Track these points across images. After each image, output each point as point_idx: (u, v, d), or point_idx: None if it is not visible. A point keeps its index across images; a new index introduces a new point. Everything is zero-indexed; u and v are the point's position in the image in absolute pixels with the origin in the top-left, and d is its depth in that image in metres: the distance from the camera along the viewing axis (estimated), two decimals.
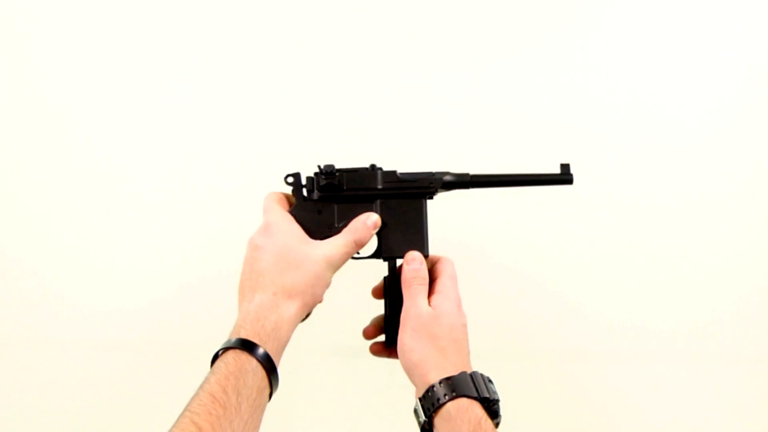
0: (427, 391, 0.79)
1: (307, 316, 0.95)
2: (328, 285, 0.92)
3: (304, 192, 1.05)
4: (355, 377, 1.18)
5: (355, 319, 1.17)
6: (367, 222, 0.97)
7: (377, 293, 1.01)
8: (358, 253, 1.06)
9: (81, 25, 1.24)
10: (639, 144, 1.18)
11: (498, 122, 1.19)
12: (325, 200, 1.04)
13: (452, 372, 0.80)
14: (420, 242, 1.02)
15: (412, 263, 0.92)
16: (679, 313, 1.19)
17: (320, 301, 0.95)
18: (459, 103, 1.19)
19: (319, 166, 1.05)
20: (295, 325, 0.88)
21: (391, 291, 0.97)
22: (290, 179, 1.06)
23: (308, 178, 1.05)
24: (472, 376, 0.80)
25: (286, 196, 1.01)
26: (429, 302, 0.88)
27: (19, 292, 1.24)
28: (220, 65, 1.23)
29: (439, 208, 1.13)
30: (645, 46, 1.19)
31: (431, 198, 1.05)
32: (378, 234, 1.04)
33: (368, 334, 0.98)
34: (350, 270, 1.16)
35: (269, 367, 0.80)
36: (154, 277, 1.23)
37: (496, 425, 0.78)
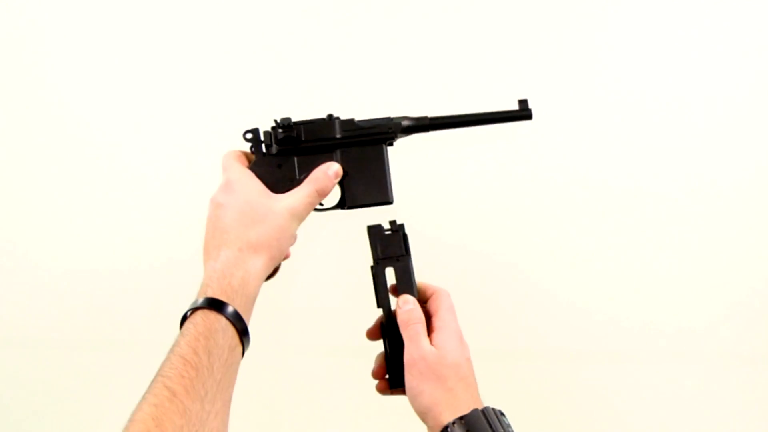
0: (443, 431, 0.79)
1: (275, 272, 0.95)
2: (293, 237, 0.92)
3: (263, 147, 1.04)
4: (352, 377, 1.19)
5: (352, 319, 1.17)
6: (328, 171, 0.96)
7: (373, 335, 0.99)
8: (321, 204, 1.06)
9: (73, 16, 1.21)
10: (641, 143, 1.17)
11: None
12: (284, 154, 1.04)
13: (464, 410, 0.79)
14: (383, 189, 1.03)
15: (405, 305, 0.90)
16: (678, 314, 1.19)
17: (287, 256, 0.95)
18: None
19: (275, 120, 1.04)
20: (262, 280, 0.88)
21: (389, 332, 0.94)
22: (249, 135, 1.05)
23: (266, 133, 1.04)
24: (484, 412, 0.79)
25: (245, 154, 1.00)
26: (430, 340, 0.86)
27: (17, 288, 1.23)
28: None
29: (441, 208, 1.14)
30: (643, 38, 1.17)
31: (391, 144, 1.04)
32: (340, 183, 1.04)
33: (377, 374, 0.96)
34: (350, 270, 1.17)
35: (239, 324, 0.80)
36: (152, 273, 1.24)
37: None
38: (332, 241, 1.17)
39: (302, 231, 1.10)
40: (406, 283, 0.93)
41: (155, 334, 1.21)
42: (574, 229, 1.18)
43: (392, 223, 0.98)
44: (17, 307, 1.24)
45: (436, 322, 0.88)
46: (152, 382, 0.73)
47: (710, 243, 1.18)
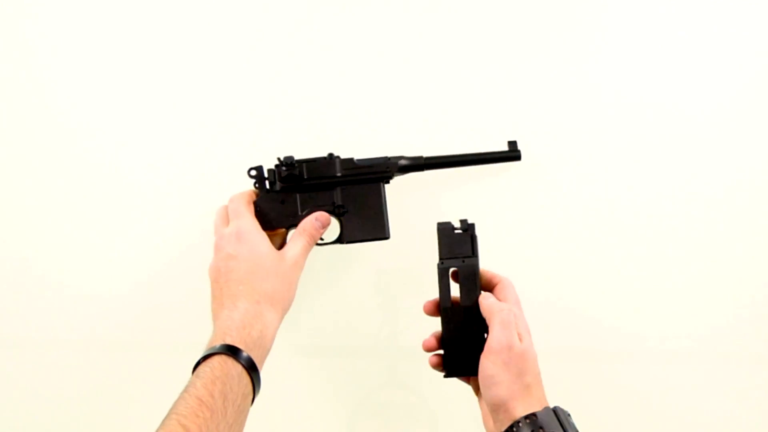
0: (512, 426, 0.77)
1: None
2: (296, 288, 0.95)
3: (267, 184, 1.10)
4: (349, 377, 1.21)
5: (349, 318, 1.21)
6: (315, 221, 1.01)
7: (430, 311, 0.96)
8: (321, 239, 1.12)
9: (78, 20, 1.24)
10: (641, 143, 1.18)
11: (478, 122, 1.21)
12: (287, 190, 1.09)
13: (537, 407, 0.78)
14: (380, 226, 1.09)
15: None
16: (679, 314, 1.20)
17: (291, 304, 0.96)
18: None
19: (279, 158, 1.09)
20: (276, 333, 0.90)
21: (453, 320, 0.92)
22: (253, 172, 1.10)
23: (270, 170, 1.10)
24: (555, 411, 0.78)
25: (253, 195, 1.02)
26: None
27: (17, 289, 1.25)
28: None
29: (445, 204, 1.18)
30: (639, 36, 1.18)
31: (388, 182, 1.10)
32: (339, 220, 1.10)
33: (430, 346, 0.93)
34: (348, 267, 1.21)
35: (254, 374, 0.82)
36: (154, 275, 1.24)
37: None
38: (330, 273, 1.21)
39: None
40: (471, 284, 0.91)
41: (155, 336, 1.25)
42: (573, 230, 1.20)
43: (463, 222, 0.97)
44: (16, 310, 1.26)
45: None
46: (165, 419, 0.74)
47: (711, 244, 1.18)
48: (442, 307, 0.93)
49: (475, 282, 0.91)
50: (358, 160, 1.10)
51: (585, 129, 1.19)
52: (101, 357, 1.26)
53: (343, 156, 1.10)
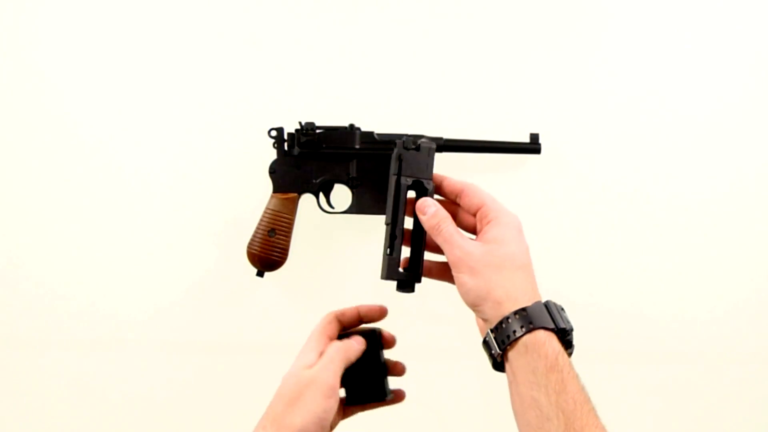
0: (501, 323, 0.71)
1: None
2: (334, 411, 0.79)
3: (285, 146, 1.10)
4: None
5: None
6: (355, 345, 0.81)
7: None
8: (332, 207, 1.13)
9: (76, 19, 1.22)
10: (641, 144, 1.18)
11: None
12: (304, 157, 1.10)
13: (525, 302, 0.72)
14: None
15: (428, 210, 0.77)
16: (679, 313, 1.21)
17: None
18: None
19: (300, 123, 1.10)
20: None
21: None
22: (273, 132, 1.11)
23: (289, 134, 1.11)
24: (547, 305, 0.72)
25: (339, 317, 0.83)
26: (480, 236, 0.76)
27: (19, 291, 1.25)
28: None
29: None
30: (644, 37, 1.17)
31: None
32: (352, 190, 1.11)
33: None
34: (346, 263, 1.21)
35: None
36: (156, 276, 1.24)
37: (569, 356, 0.72)
38: (337, 242, 1.23)
39: (308, 232, 1.17)
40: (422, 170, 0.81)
41: (153, 336, 1.26)
42: (574, 228, 1.20)
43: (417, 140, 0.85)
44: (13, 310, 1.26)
45: (486, 214, 0.77)
46: None
47: (711, 243, 1.18)
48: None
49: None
50: (378, 134, 1.10)
51: (607, 131, 1.18)
52: (101, 357, 1.26)
53: (363, 129, 1.11)
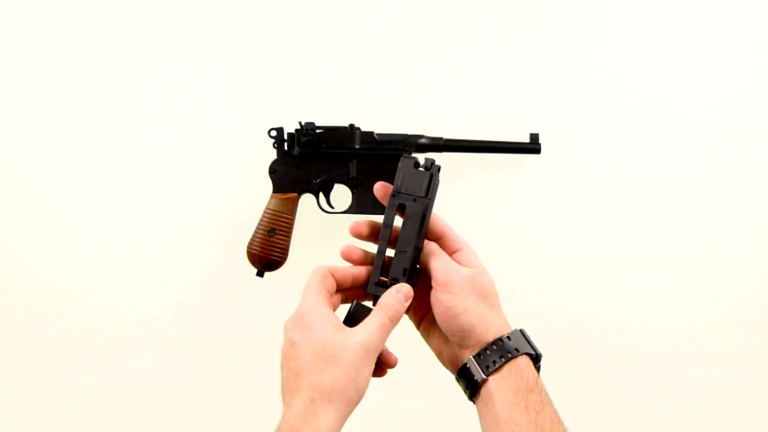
0: (485, 349, 0.74)
1: None
2: (370, 376, 0.79)
3: (285, 146, 1.10)
4: None
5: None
6: (399, 295, 0.80)
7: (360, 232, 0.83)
8: (332, 207, 1.13)
9: (77, 19, 1.22)
10: (641, 144, 1.18)
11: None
12: (304, 156, 1.10)
13: (507, 330, 0.75)
14: None
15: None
16: (679, 314, 1.21)
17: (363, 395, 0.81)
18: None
19: (300, 123, 1.10)
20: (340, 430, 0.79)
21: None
22: (273, 132, 1.11)
23: (289, 134, 1.11)
24: (522, 332, 0.75)
25: (333, 273, 0.82)
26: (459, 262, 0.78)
27: (18, 290, 1.25)
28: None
29: (457, 191, 1.17)
30: (644, 37, 1.17)
31: None
32: (352, 191, 1.11)
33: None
34: (346, 263, 1.19)
35: None
36: (156, 276, 1.24)
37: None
38: (337, 242, 1.23)
39: (308, 232, 1.17)
40: (412, 227, 0.79)
41: (153, 336, 1.26)
42: (574, 228, 1.21)
43: (428, 160, 0.83)
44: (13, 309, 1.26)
45: (458, 254, 0.79)
46: None
47: (711, 244, 1.19)
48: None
49: (418, 226, 0.80)
50: (378, 134, 1.10)
51: (606, 131, 1.19)
52: (101, 357, 1.26)
53: (363, 128, 1.11)
